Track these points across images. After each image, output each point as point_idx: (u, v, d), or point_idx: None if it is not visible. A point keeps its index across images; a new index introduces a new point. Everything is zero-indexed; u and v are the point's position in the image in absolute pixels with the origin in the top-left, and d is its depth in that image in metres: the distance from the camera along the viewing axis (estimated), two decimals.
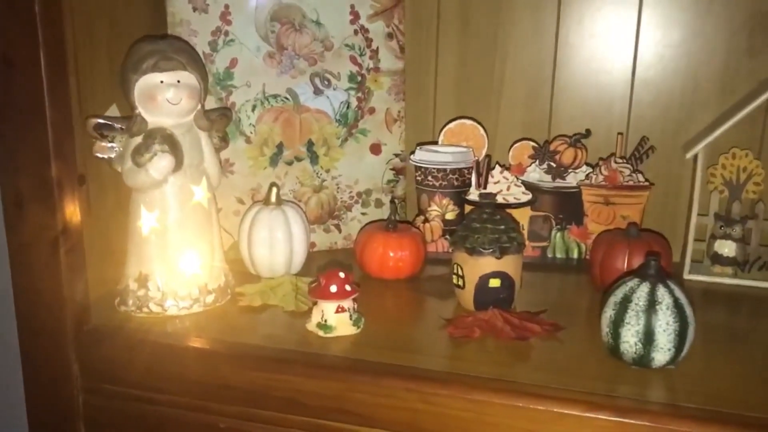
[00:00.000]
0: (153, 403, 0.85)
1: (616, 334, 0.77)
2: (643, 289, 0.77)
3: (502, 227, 0.90)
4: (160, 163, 0.86)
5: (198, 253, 0.91)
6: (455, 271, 0.93)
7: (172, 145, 0.87)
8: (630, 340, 0.76)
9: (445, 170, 1.08)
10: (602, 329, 0.79)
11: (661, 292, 0.76)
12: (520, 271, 0.93)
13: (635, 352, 0.76)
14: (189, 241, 0.90)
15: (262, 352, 0.81)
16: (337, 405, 0.78)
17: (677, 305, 0.76)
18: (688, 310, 0.76)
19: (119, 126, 0.88)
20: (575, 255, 1.09)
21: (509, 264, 0.90)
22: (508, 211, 1.03)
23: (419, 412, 0.75)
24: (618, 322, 0.77)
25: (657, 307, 0.75)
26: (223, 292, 0.94)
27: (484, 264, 0.90)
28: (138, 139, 0.87)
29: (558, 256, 1.10)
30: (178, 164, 0.88)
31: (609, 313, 0.78)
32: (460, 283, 0.92)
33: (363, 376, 0.77)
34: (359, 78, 1.10)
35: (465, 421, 0.74)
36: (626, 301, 0.77)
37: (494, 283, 0.90)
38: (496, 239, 0.89)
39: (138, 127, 0.87)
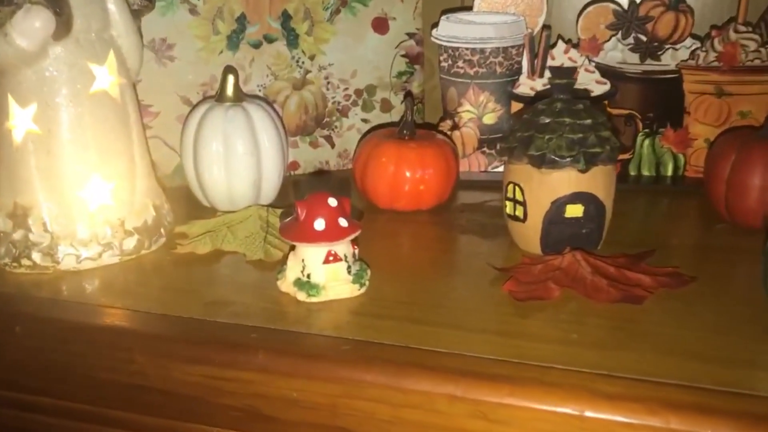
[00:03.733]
0: (35, 411, 0.54)
1: None
2: None
3: (588, 122, 0.57)
4: (29, 22, 0.53)
5: (108, 172, 0.58)
6: (510, 194, 0.60)
7: None
8: None
9: (483, 51, 0.74)
10: None
11: None
12: (613, 193, 0.60)
13: None
14: (92, 154, 0.57)
15: (206, 332, 0.49)
16: (328, 420, 0.46)
17: None
18: None
19: None
20: (669, 171, 0.76)
21: (598, 181, 0.57)
22: None
23: None
24: None
25: None
26: (151, 234, 0.61)
27: (560, 181, 0.57)
28: None
29: (645, 173, 0.77)
30: (63, 27, 0.54)
31: None
32: (519, 213, 0.59)
33: (371, 371, 0.45)
34: None
35: None
36: None
37: (574, 211, 0.58)
38: (580, 141, 0.56)
39: None
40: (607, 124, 0.58)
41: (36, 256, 0.57)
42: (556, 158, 0.56)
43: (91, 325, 0.51)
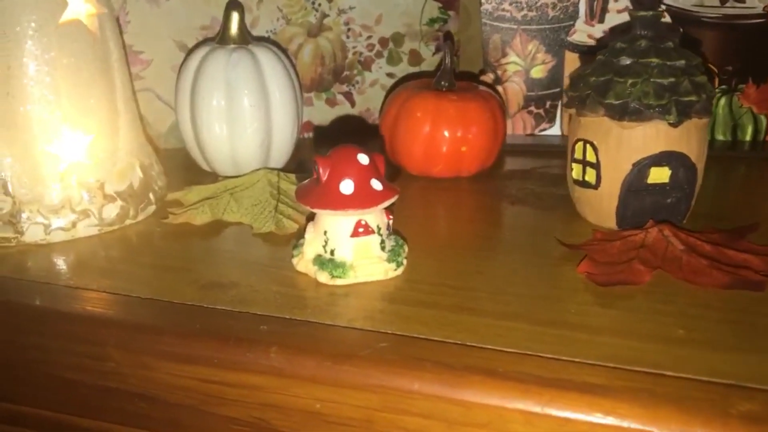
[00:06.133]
0: None
1: None
2: None
3: (681, 63, 0.46)
4: None
5: (83, 122, 0.47)
6: (579, 155, 0.49)
7: None
8: None
9: None
10: None
11: None
12: (705, 154, 0.48)
13: None
14: (63, 99, 0.46)
15: (203, 322, 0.38)
16: None
17: None
18: None
19: None
20: (748, 135, 0.65)
21: (691, 137, 0.46)
22: None
23: None
24: None
25: None
26: (138, 200, 0.50)
27: (645, 137, 0.46)
28: None
29: (719, 137, 0.66)
30: None
31: None
32: (590, 178, 0.48)
33: (420, 377, 0.34)
34: None
35: None
36: None
37: (659, 175, 0.47)
38: (671, 87, 0.45)
39: None
40: (701, 67, 0.47)
41: None
42: (642, 108, 0.45)
43: (56, 312, 0.40)
